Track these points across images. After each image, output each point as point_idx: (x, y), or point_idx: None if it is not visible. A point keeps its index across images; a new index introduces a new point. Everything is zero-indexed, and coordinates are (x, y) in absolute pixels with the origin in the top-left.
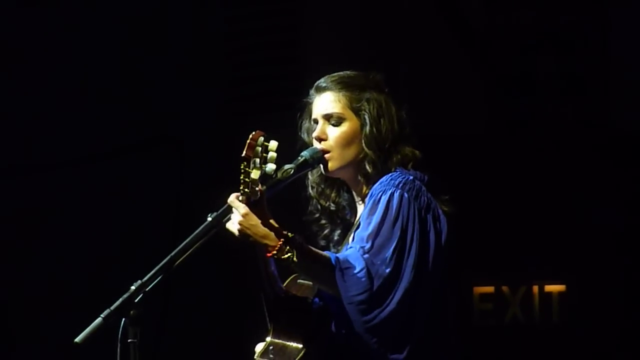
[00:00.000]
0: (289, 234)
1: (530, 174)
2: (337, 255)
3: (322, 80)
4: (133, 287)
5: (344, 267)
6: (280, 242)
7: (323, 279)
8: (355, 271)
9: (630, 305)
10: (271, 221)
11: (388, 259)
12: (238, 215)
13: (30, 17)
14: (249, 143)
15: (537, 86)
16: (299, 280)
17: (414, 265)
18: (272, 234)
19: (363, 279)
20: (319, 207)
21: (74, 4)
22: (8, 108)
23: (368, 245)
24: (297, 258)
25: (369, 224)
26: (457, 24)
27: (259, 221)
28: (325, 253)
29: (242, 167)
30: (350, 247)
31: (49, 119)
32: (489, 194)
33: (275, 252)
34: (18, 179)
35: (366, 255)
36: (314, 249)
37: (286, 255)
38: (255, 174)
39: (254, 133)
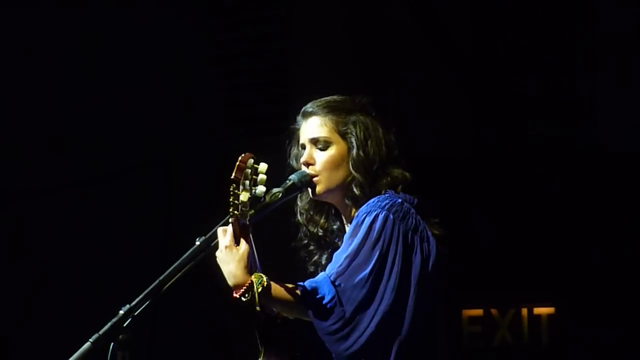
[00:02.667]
0: (254, 280)
1: (518, 197)
2: (306, 285)
3: (308, 105)
4: (121, 312)
5: (313, 299)
6: (244, 289)
7: (295, 313)
8: (325, 301)
9: (619, 327)
10: (244, 261)
11: (364, 280)
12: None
13: (21, 41)
14: (238, 165)
15: (525, 108)
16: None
17: (394, 287)
18: (240, 277)
19: (334, 308)
20: (308, 233)
21: (62, 28)
22: None
23: (342, 266)
24: (258, 306)
25: (349, 245)
26: (445, 47)
27: (233, 260)
28: (296, 285)
29: (231, 189)
30: (325, 271)
31: (35, 145)
32: (477, 217)
33: (237, 295)
34: (7, 204)
35: (337, 281)
36: (280, 287)
37: (250, 301)
38: (244, 196)
39: (243, 155)
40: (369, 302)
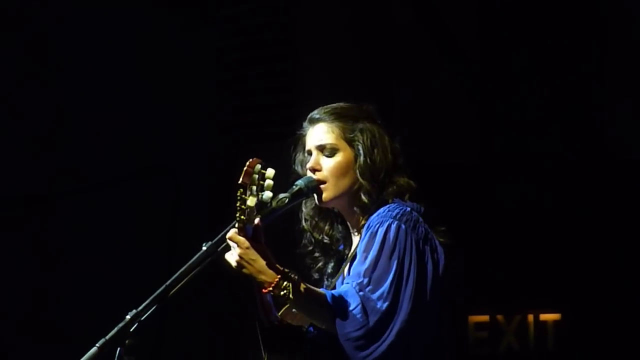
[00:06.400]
0: (286, 270)
1: (524, 202)
2: (333, 292)
3: (315, 112)
4: (128, 317)
5: (339, 304)
6: (277, 279)
7: (319, 316)
8: (351, 308)
9: (624, 334)
10: (269, 256)
11: (385, 292)
12: (239, 249)
13: (27, 46)
14: (245, 170)
15: (532, 114)
16: (294, 309)
17: (411, 296)
18: (270, 270)
19: (358, 315)
20: (313, 240)
21: (63, 32)
22: (2, 140)
23: (365, 281)
24: (292, 295)
25: (366, 257)
26: (451, 53)
27: (259, 257)
28: (321, 290)
29: (238, 194)
30: (347, 283)
31: (38, 151)
32: (483, 223)
33: (271, 288)
34: (11, 210)
35: (361, 292)
36: (310, 286)
37: (282, 292)
38: (251, 201)
39: (251, 160)
40: (391, 313)
